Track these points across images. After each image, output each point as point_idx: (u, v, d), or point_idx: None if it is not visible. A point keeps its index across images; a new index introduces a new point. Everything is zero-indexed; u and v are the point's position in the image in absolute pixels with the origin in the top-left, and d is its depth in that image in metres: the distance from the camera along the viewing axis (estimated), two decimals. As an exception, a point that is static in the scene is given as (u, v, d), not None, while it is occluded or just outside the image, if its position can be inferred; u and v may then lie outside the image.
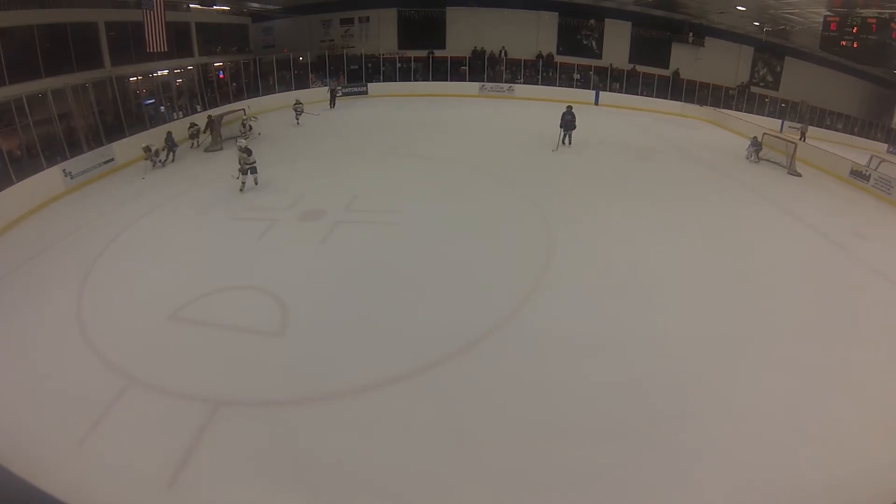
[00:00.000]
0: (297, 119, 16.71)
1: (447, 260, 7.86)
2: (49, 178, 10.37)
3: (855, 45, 15.24)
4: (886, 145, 18.20)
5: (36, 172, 10.21)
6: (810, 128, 19.54)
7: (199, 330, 6.13)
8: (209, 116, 14.69)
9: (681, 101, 21.63)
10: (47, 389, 5.16)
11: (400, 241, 8.44)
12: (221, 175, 11.73)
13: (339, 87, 20.70)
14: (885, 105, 20.92)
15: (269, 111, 17.97)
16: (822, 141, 18.10)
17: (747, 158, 14.54)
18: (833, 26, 15.63)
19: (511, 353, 5.80)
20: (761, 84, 22.66)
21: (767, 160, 14.23)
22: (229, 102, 17.00)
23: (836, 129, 21.16)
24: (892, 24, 14.47)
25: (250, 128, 14.56)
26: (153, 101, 15.42)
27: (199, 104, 16.78)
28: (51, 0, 13.11)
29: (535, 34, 23.21)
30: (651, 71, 22.64)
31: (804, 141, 17.29)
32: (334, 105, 19.32)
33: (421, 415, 4.94)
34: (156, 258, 7.91)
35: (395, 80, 21.93)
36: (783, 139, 14.65)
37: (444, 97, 21.02)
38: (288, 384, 5.29)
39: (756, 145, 14.52)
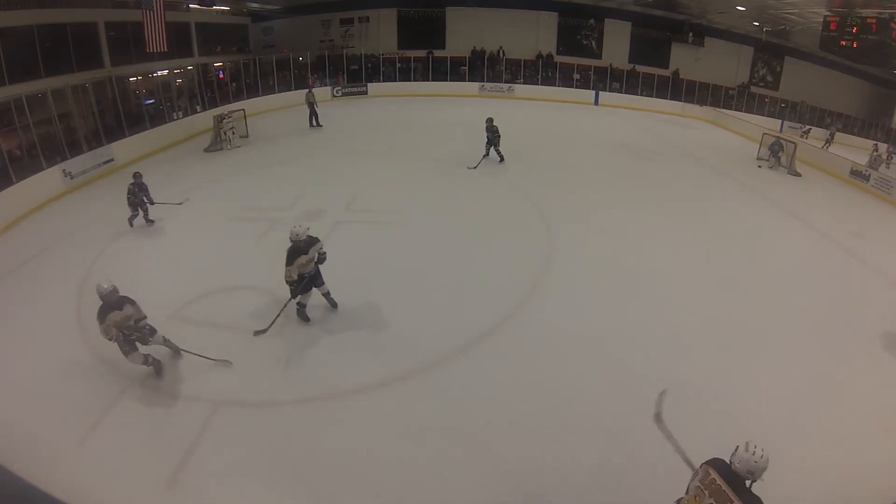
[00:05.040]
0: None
1: (447, 260, 7.86)
2: (49, 178, 10.35)
3: (855, 45, 15.26)
4: (886, 145, 18.20)
5: (36, 172, 10.19)
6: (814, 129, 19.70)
7: (199, 330, 6.12)
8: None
9: (681, 101, 21.64)
10: (47, 389, 5.16)
11: (400, 241, 8.44)
12: (221, 175, 11.75)
13: (341, 88, 20.05)
14: (885, 105, 20.93)
15: (268, 112, 17.98)
16: (850, 147, 17.92)
17: (766, 163, 13.92)
18: (833, 26, 15.64)
19: (512, 353, 5.81)
20: (761, 84, 22.68)
21: (783, 165, 13.83)
22: (229, 102, 16.98)
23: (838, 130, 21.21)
24: (892, 24, 14.49)
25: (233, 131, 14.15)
26: (153, 101, 15.42)
27: (199, 104, 16.77)
28: (51, 0, 13.12)
29: (535, 34, 23.21)
30: (651, 71, 22.65)
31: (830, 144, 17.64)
32: (318, 122, 16.10)
33: (421, 415, 4.94)
34: (155, 258, 7.92)
35: (395, 80, 21.92)
36: (783, 139, 14.65)
37: (444, 97, 21.00)
38: (288, 384, 5.29)
39: (779, 147, 13.86)
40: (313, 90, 16.70)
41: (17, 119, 10.22)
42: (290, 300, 6.03)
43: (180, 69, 17.15)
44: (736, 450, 3.01)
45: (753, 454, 2.92)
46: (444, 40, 23.46)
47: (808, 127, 19.99)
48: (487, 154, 12.40)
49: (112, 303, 4.88)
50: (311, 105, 16.04)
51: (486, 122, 12.26)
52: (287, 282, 5.86)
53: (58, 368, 5.46)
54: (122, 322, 4.88)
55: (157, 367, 5.29)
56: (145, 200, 8.90)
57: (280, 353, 5.78)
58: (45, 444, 4.46)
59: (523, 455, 4.49)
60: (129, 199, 8.76)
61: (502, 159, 12.46)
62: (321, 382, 5.31)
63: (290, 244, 5.81)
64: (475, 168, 11.96)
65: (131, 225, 8.97)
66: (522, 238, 8.64)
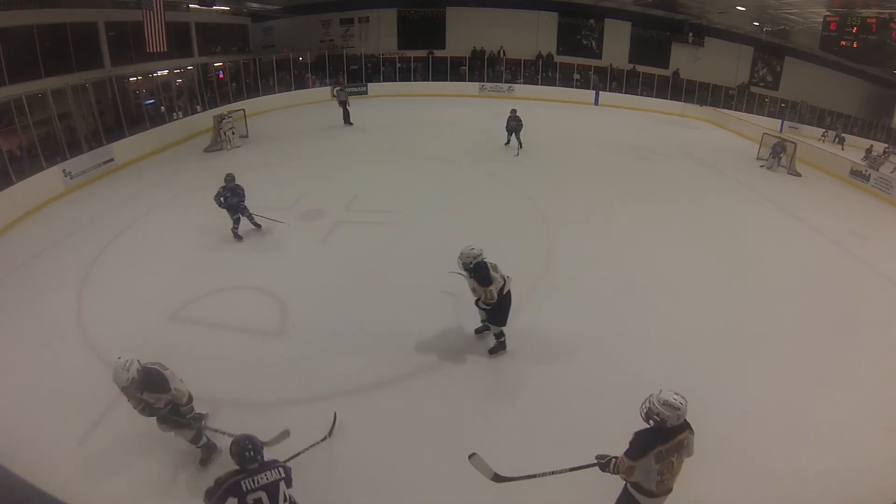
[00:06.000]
0: None
1: (447, 260, 7.82)
2: (49, 178, 10.36)
3: (855, 45, 15.27)
4: (885, 145, 18.22)
5: (36, 172, 10.20)
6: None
7: (199, 330, 6.13)
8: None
9: (681, 101, 21.65)
10: (47, 389, 5.16)
11: (400, 240, 8.43)
12: (220, 175, 11.72)
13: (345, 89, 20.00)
14: (885, 105, 20.93)
15: (268, 112, 17.98)
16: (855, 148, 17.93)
17: (765, 164, 13.86)
18: (833, 26, 15.65)
19: (512, 353, 5.80)
20: (761, 84, 22.68)
21: (782, 166, 13.71)
22: (229, 102, 16.99)
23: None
24: (892, 24, 14.50)
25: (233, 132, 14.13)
26: (153, 101, 15.42)
27: (199, 104, 16.78)
28: (51, 0, 13.13)
29: (535, 34, 23.22)
30: (651, 71, 22.66)
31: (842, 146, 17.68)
32: (349, 120, 16.21)
33: (421, 415, 4.93)
34: (156, 258, 7.91)
35: (395, 81, 21.93)
36: (783, 139, 14.65)
37: (444, 97, 21.01)
38: (288, 384, 5.28)
39: (780, 148, 13.74)
40: (346, 88, 16.88)
41: (17, 119, 10.24)
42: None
43: (180, 69, 17.16)
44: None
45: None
46: (444, 40, 23.47)
47: (842, 134, 19.68)
48: (509, 142, 13.49)
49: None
50: (343, 104, 16.10)
51: (511, 112, 13.31)
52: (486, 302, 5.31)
53: (58, 368, 5.47)
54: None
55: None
56: (244, 205, 8.10)
57: (280, 353, 5.78)
58: (45, 444, 4.45)
59: (525, 454, 4.47)
60: (219, 203, 7.92)
61: (521, 146, 13.39)
62: (321, 382, 5.30)
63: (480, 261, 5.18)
64: (517, 155, 13.08)
65: (237, 236, 8.17)
66: (523, 238, 8.63)
